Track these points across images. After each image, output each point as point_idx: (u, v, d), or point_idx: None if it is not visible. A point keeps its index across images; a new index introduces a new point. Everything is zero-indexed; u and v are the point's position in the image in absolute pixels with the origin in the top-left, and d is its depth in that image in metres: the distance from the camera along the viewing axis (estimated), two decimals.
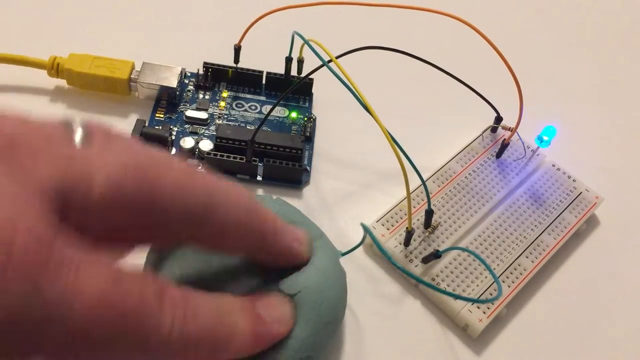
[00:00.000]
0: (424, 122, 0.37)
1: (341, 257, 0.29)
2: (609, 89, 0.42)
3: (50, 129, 0.18)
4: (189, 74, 0.37)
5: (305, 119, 0.36)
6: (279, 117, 0.36)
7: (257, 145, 0.33)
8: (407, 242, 0.30)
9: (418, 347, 0.29)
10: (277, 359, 0.25)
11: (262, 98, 0.37)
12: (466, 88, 0.33)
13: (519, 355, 0.29)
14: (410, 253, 0.31)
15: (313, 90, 0.37)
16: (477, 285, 0.30)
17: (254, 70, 0.36)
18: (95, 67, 0.34)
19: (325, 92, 0.37)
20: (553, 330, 0.30)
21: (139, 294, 0.18)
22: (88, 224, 0.18)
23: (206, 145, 0.33)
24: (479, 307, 0.29)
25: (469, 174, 0.34)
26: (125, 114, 0.35)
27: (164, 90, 0.35)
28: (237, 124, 0.35)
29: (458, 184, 0.33)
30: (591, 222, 0.34)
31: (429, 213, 0.30)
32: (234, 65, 0.36)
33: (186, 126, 0.35)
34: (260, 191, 0.33)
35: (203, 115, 0.35)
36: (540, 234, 0.32)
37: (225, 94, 0.36)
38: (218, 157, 0.32)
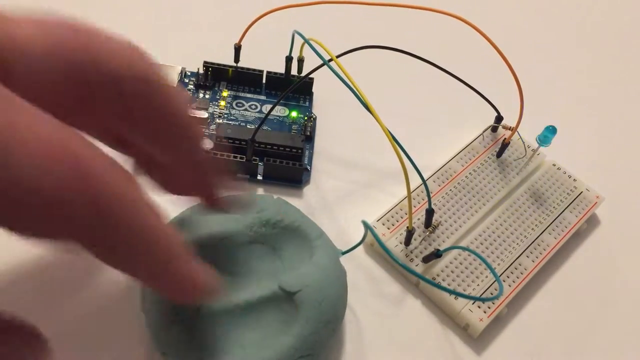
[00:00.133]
0: (425, 122, 0.37)
1: (341, 256, 0.29)
2: (610, 88, 0.42)
3: None
4: (189, 73, 0.37)
5: (306, 118, 0.36)
6: (279, 116, 0.36)
7: (257, 145, 0.33)
8: (407, 242, 0.30)
9: (418, 347, 0.29)
10: (277, 357, 0.25)
11: (262, 97, 0.37)
12: (467, 87, 0.33)
13: (520, 355, 0.29)
14: (411, 252, 0.31)
15: (313, 90, 0.37)
16: (478, 285, 0.30)
17: (254, 70, 0.36)
18: None
19: (326, 91, 0.37)
20: (553, 330, 0.30)
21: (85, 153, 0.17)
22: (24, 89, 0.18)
23: (206, 144, 0.33)
24: (479, 307, 0.29)
25: (470, 173, 0.34)
26: None
27: None
28: (237, 123, 0.35)
29: (459, 183, 0.33)
30: (592, 222, 0.34)
31: (430, 212, 0.30)
32: (234, 64, 0.36)
33: None
34: (260, 190, 0.33)
35: (203, 114, 0.35)
36: (541, 233, 0.32)
37: (225, 93, 0.36)
38: (218, 156, 0.32)
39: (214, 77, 0.36)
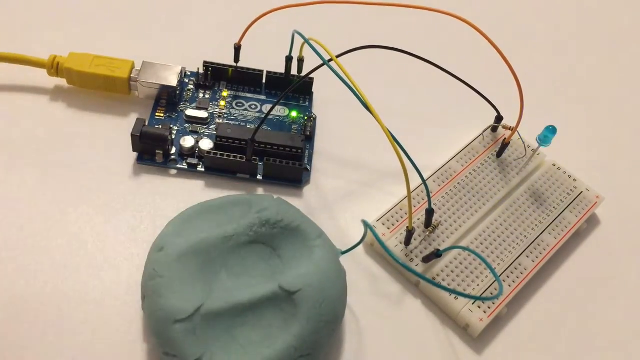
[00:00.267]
0: (425, 121, 0.37)
1: (341, 256, 0.29)
2: (610, 88, 0.42)
3: None
4: (189, 73, 0.37)
5: (306, 118, 0.36)
6: (279, 116, 0.36)
7: (257, 145, 0.33)
8: (407, 242, 0.30)
9: (418, 347, 0.29)
10: (277, 356, 0.25)
11: (262, 97, 0.37)
12: (467, 87, 0.32)
13: (519, 355, 0.29)
14: (411, 252, 0.31)
15: (313, 90, 0.37)
16: (478, 285, 0.30)
17: (254, 70, 0.36)
18: (95, 66, 0.34)
19: (326, 91, 0.37)
20: (553, 329, 0.30)
21: None
22: None
23: (206, 144, 0.33)
24: (479, 307, 0.29)
25: (470, 173, 0.34)
26: (125, 113, 0.35)
27: (164, 90, 0.35)
28: (237, 123, 0.35)
29: (459, 183, 0.33)
30: (592, 222, 0.34)
31: (430, 212, 0.30)
32: (234, 64, 0.36)
33: (186, 125, 0.35)
34: (260, 190, 0.33)
35: (203, 114, 0.35)
36: (541, 233, 0.32)
37: (225, 93, 0.36)
38: (218, 156, 0.32)
39: (214, 77, 0.36)
